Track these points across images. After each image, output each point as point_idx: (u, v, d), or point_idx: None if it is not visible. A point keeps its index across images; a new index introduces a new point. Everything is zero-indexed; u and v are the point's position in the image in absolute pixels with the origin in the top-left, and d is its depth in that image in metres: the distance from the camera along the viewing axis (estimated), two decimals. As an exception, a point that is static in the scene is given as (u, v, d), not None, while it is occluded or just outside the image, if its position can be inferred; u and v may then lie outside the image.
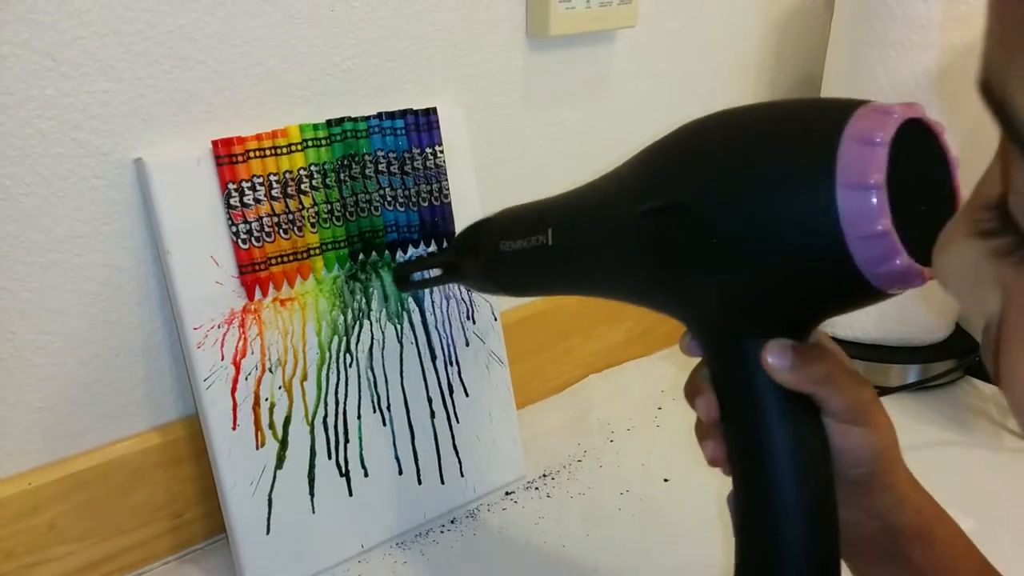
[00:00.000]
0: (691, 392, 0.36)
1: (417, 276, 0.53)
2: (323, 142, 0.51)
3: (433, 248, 0.57)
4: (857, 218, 0.26)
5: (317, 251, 0.52)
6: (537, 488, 0.62)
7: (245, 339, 0.49)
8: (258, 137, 0.49)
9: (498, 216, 0.45)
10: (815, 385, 0.32)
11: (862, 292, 0.28)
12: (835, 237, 0.27)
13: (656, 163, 0.34)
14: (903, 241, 0.26)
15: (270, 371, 0.50)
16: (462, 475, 0.59)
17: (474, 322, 0.59)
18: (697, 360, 0.36)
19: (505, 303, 0.63)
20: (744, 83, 0.80)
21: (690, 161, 0.32)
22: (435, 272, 0.52)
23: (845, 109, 0.27)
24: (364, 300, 0.54)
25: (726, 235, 0.30)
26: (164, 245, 0.47)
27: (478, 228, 0.46)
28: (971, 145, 0.49)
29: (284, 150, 0.50)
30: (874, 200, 0.26)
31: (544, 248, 0.39)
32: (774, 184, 0.28)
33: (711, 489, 0.58)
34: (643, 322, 0.79)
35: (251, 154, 0.48)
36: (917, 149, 0.28)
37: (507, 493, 0.61)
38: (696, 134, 0.33)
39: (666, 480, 0.62)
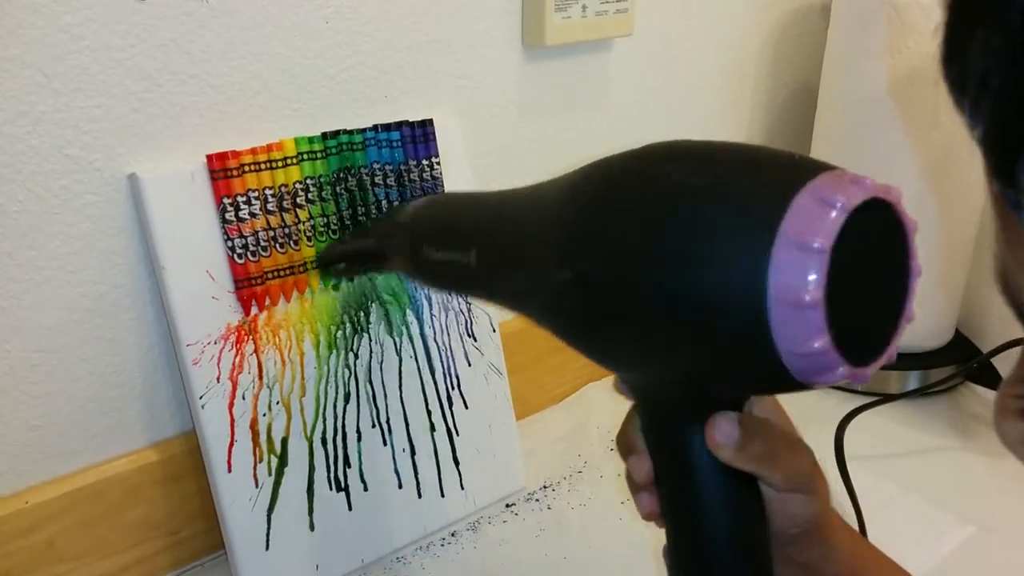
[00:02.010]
0: (624, 448, 0.35)
1: (338, 266, 0.51)
2: (319, 155, 0.51)
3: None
4: (793, 337, 0.23)
5: (312, 264, 0.51)
6: (538, 500, 0.61)
7: (242, 355, 0.49)
8: (253, 151, 0.48)
9: (422, 216, 0.41)
10: (756, 463, 0.30)
11: (790, 387, 0.26)
12: (769, 351, 0.24)
13: (574, 218, 0.29)
14: (842, 333, 0.23)
15: (267, 386, 0.50)
16: (462, 488, 0.58)
17: (473, 335, 0.59)
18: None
19: (503, 314, 0.63)
20: (741, 91, 0.80)
21: (607, 224, 0.28)
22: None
23: (785, 189, 0.23)
24: (362, 314, 0.54)
25: (643, 320, 0.27)
26: (159, 261, 0.46)
27: (400, 225, 0.43)
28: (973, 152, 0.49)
29: (279, 164, 0.49)
30: (813, 317, 0.22)
31: (468, 268, 0.36)
32: (699, 273, 0.25)
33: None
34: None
35: (246, 168, 0.48)
36: (867, 220, 0.24)
37: (508, 505, 0.61)
38: (622, 184, 0.28)
39: (667, 490, 0.62)
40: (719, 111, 0.78)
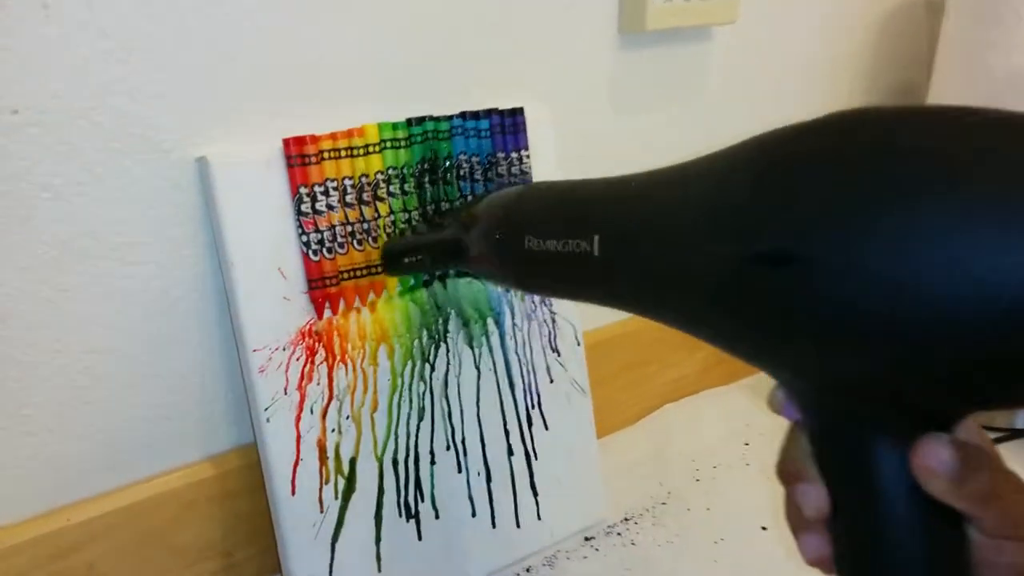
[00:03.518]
0: (788, 474, 0.28)
1: (408, 259, 0.44)
2: (402, 143, 0.46)
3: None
4: None
5: (380, 256, 0.46)
6: (619, 534, 0.55)
7: (312, 363, 0.44)
8: (333, 136, 0.43)
9: (522, 202, 0.35)
10: (974, 502, 0.24)
11: None
12: None
13: (759, 183, 0.24)
14: None
15: (338, 399, 0.45)
16: (539, 518, 0.53)
17: (556, 348, 0.53)
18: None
19: (587, 324, 0.57)
20: (844, 86, 0.74)
21: (815, 191, 0.22)
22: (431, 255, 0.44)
23: None
24: (441, 321, 0.48)
25: (866, 305, 0.21)
26: (227, 255, 0.41)
27: (494, 213, 0.37)
28: None
29: (360, 151, 0.44)
30: None
31: (587, 257, 0.30)
32: (947, 241, 0.20)
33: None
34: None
35: (325, 155, 0.43)
36: None
37: (587, 538, 0.55)
38: (824, 146, 0.23)
39: (764, 528, 0.56)
40: (821, 106, 0.72)
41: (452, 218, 0.44)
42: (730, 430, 0.67)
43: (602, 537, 0.55)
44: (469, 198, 0.48)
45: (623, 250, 0.29)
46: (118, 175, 0.40)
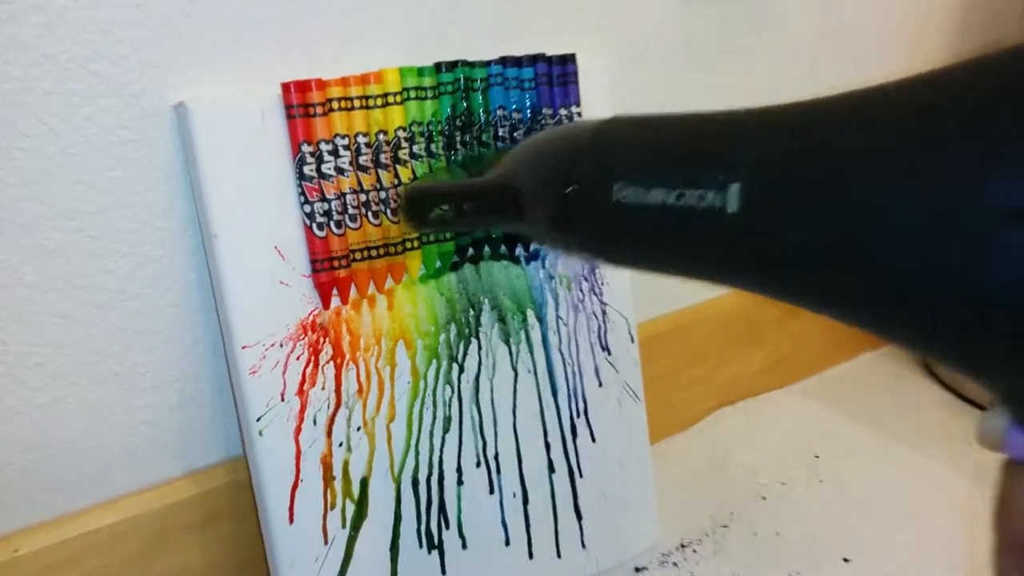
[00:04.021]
0: (1015, 535, 0.19)
1: (443, 211, 0.33)
2: (429, 93, 0.37)
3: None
4: None
5: (415, 244, 0.38)
6: (676, 564, 0.47)
7: (316, 363, 0.36)
8: (343, 82, 0.35)
9: (609, 138, 0.26)
10: None
11: None
12: None
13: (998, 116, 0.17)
14: None
15: (347, 407, 0.37)
16: (583, 546, 0.45)
17: (607, 346, 0.45)
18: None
19: (639, 316, 0.48)
20: (925, 46, 0.64)
21: None
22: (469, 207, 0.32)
23: None
24: (473, 313, 0.40)
25: None
26: (211, 227, 0.33)
27: (561, 154, 0.27)
28: None
29: (378, 102, 0.36)
30: None
31: (716, 215, 0.22)
32: None
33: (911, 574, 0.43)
34: (783, 346, 0.64)
35: (334, 104, 0.35)
36: None
37: (637, 570, 0.47)
38: None
39: (847, 560, 0.47)
40: (900, 67, 0.62)
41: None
42: (796, 439, 0.59)
43: (655, 568, 0.47)
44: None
45: (778, 206, 0.21)
46: (77, 126, 0.32)
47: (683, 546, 0.48)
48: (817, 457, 0.57)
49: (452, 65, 0.38)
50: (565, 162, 0.27)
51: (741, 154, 0.22)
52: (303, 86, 0.34)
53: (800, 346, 0.66)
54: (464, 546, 0.40)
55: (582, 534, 0.45)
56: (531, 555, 0.43)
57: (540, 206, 0.28)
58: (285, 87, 0.34)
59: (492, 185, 0.31)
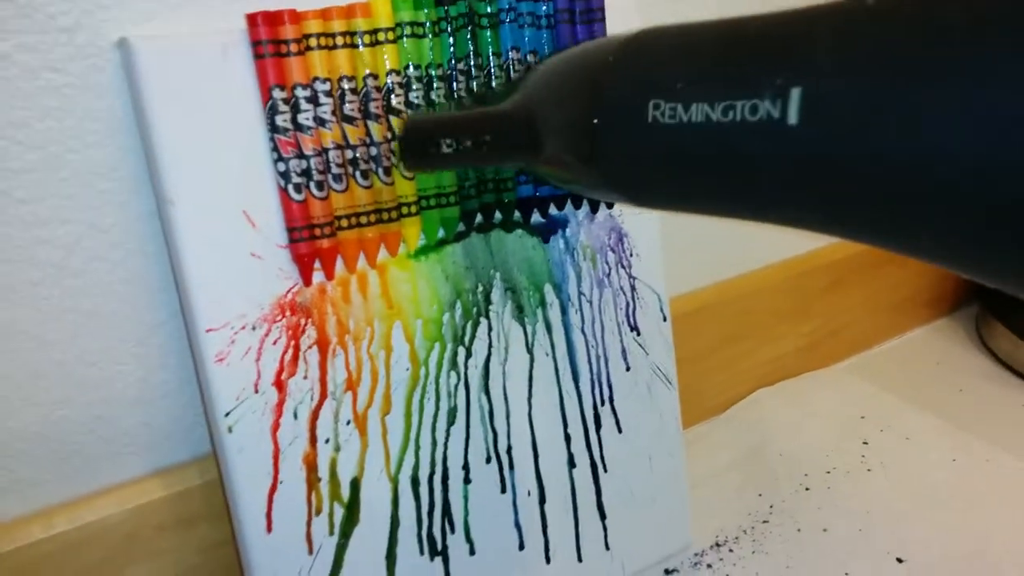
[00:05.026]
0: None
1: (446, 145, 0.27)
2: (428, 31, 0.31)
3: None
4: None
5: (412, 208, 0.32)
6: (710, 565, 0.42)
7: (296, 349, 0.30)
8: (323, 14, 0.29)
9: (640, 50, 0.21)
10: None
11: None
12: None
13: None
14: None
15: (333, 398, 0.32)
16: (607, 548, 0.40)
17: (635, 325, 0.39)
18: None
19: (672, 290, 0.43)
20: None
21: None
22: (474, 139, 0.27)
23: None
24: (481, 288, 0.35)
25: None
26: (164, 190, 0.28)
27: (583, 77, 0.23)
28: None
29: (366, 39, 0.30)
30: None
31: (773, 128, 0.18)
32: None
33: (987, 594, 0.38)
34: (833, 320, 0.58)
35: (311, 42, 0.29)
36: None
37: (667, 572, 0.42)
38: None
39: (900, 561, 0.42)
40: None
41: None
42: (842, 424, 0.53)
43: (688, 570, 0.42)
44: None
45: (851, 115, 0.16)
46: None
47: (718, 545, 0.43)
48: (866, 443, 0.51)
49: (455, -5, 0.32)
50: (590, 82, 0.22)
51: (806, 53, 0.17)
52: (273, 18, 0.28)
53: (845, 322, 0.60)
54: (472, 552, 0.36)
55: (606, 535, 0.40)
56: (548, 559, 0.38)
57: (561, 136, 0.23)
58: (251, 18, 0.28)
59: (506, 114, 0.26)
